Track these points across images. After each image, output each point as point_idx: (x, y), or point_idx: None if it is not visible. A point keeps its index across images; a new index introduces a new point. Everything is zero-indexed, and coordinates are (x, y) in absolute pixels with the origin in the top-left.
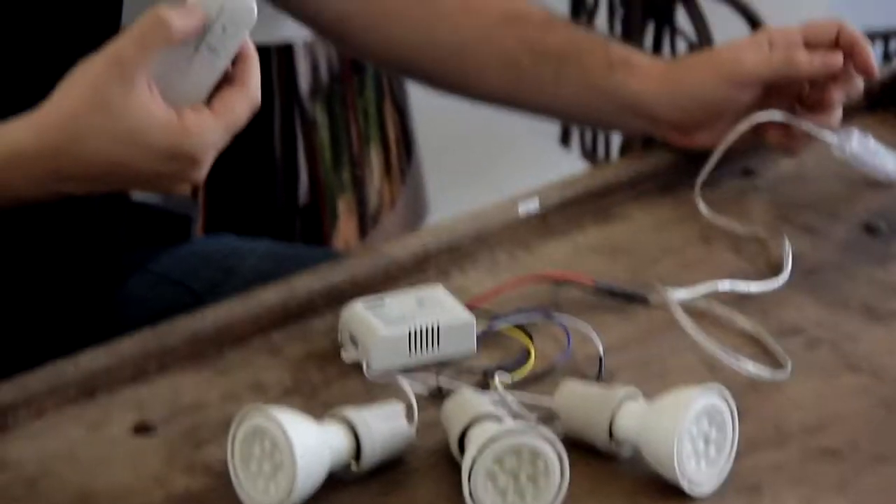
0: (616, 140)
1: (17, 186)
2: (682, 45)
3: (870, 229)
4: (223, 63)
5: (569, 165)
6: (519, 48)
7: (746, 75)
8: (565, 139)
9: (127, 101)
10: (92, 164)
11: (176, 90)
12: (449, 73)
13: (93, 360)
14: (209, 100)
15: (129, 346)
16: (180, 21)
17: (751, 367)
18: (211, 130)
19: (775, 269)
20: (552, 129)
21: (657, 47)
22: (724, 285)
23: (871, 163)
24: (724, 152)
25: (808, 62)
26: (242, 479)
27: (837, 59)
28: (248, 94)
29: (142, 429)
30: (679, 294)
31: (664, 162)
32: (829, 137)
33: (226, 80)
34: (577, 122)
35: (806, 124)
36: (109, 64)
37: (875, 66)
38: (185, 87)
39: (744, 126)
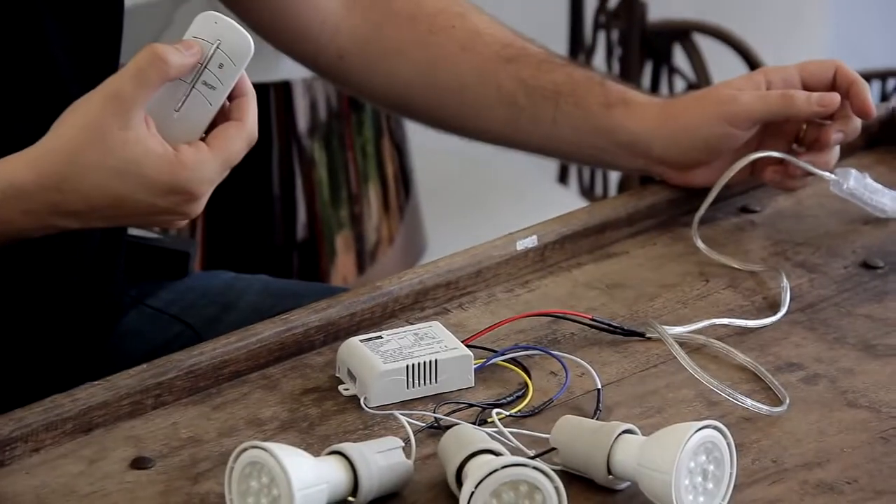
0: (614, 177)
1: (17, 221)
2: (679, 85)
3: (868, 266)
4: (220, 98)
5: (567, 203)
6: (517, 87)
7: (743, 114)
8: (563, 177)
9: (125, 136)
10: (90, 198)
11: (172, 125)
12: (448, 113)
13: (90, 394)
14: (206, 135)
15: (126, 380)
16: (177, 57)
17: (748, 402)
18: (208, 165)
19: (773, 306)
20: (550, 166)
21: (655, 87)
22: (722, 321)
23: (868, 201)
24: (721, 189)
25: (805, 102)
26: None
27: (834, 99)
28: (246, 130)
29: (139, 463)
30: (676, 329)
31: (662, 199)
32: (827, 175)
33: (223, 116)
34: (575, 160)
35: (803, 163)
36: (107, 99)
37: (872, 106)
38: (181, 122)
39: (741, 163)
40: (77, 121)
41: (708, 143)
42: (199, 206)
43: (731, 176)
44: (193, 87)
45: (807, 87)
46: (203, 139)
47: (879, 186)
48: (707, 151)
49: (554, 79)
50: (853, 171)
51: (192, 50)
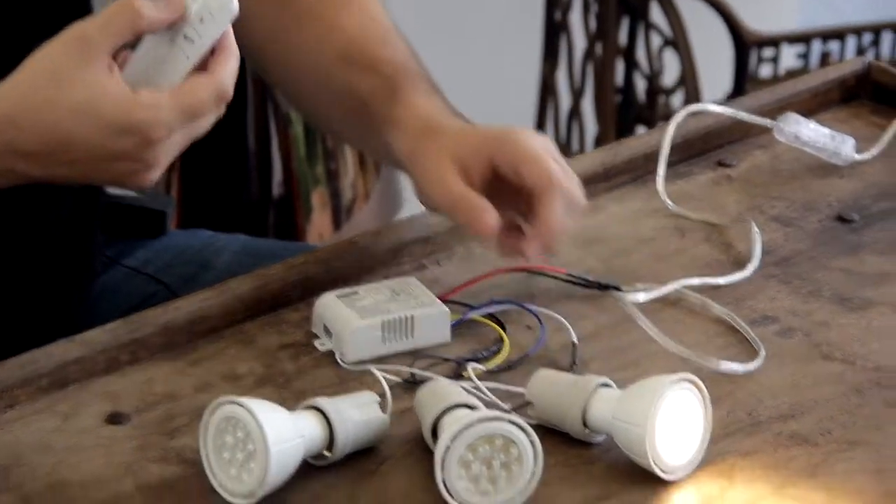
0: (590, 133)
1: None
2: (656, 41)
3: (842, 219)
4: (198, 53)
5: None
6: (343, 90)
7: (435, 204)
8: (539, 132)
9: (82, 76)
10: (44, 136)
11: (150, 76)
12: (307, 108)
13: (65, 350)
14: None
15: (101, 337)
16: (152, 12)
17: (713, 363)
18: (164, 108)
19: (747, 260)
20: (525, 121)
21: (632, 43)
22: (692, 280)
23: (822, 146)
24: (697, 144)
25: (464, 220)
26: (215, 468)
27: (481, 228)
28: (214, 83)
29: (115, 419)
30: (640, 296)
31: (638, 154)
32: (769, 123)
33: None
34: (393, 166)
35: (742, 113)
36: (70, 40)
37: (531, 250)
38: (156, 73)
39: (678, 118)
40: (39, 60)
41: (427, 200)
42: (157, 157)
43: (671, 132)
44: (173, 40)
45: (513, 182)
46: None
47: (828, 131)
48: (431, 204)
49: (366, 87)
50: (794, 116)
51: (172, 6)
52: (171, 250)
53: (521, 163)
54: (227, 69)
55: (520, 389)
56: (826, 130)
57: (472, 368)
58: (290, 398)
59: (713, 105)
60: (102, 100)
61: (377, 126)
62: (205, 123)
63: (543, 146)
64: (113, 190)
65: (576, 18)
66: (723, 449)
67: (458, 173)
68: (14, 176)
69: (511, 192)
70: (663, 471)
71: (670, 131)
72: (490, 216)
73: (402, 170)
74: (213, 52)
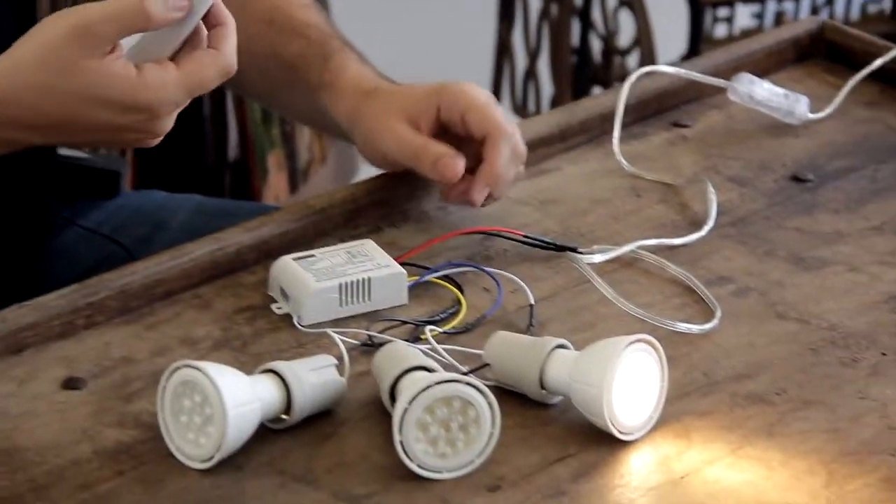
0: (546, 94)
1: None
2: (612, 1)
3: (797, 179)
4: (191, 21)
5: None
6: (268, 53)
7: (389, 156)
8: (495, 93)
9: (87, 64)
10: (50, 115)
11: (141, 42)
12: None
13: (20, 315)
14: (179, 58)
15: (56, 301)
16: (162, 12)
17: (669, 324)
18: (171, 87)
19: (704, 220)
20: (483, 82)
21: (587, 3)
22: (649, 241)
23: (775, 106)
24: (653, 105)
25: (430, 167)
26: (173, 432)
27: (452, 173)
28: (220, 59)
29: (71, 384)
30: (604, 250)
31: (594, 115)
32: (723, 83)
33: (199, 43)
34: (327, 133)
35: (698, 75)
36: (75, 29)
37: (477, 195)
38: (150, 41)
39: (632, 79)
40: (41, 42)
41: (385, 160)
42: (165, 126)
43: (626, 94)
44: None
45: (459, 132)
46: (173, 60)
47: (781, 90)
48: (388, 164)
49: (291, 51)
50: (747, 76)
51: (179, 5)
52: (125, 211)
53: (466, 111)
54: (231, 44)
55: (477, 351)
56: (780, 90)
57: (429, 331)
58: (248, 362)
59: (667, 66)
60: (108, 83)
61: (309, 91)
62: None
63: (487, 95)
64: (66, 151)
65: None
66: (679, 409)
67: (409, 125)
68: (16, 144)
69: (455, 142)
70: (620, 431)
71: (624, 92)
72: (459, 160)
73: (339, 133)
74: (210, 23)
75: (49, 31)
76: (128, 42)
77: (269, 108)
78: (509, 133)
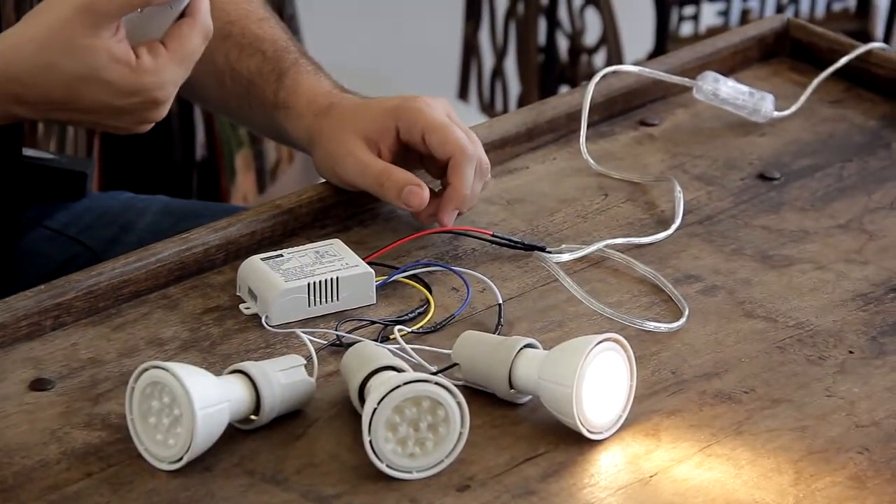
0: (514, 93)
1: None
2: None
3: (764, 177)
4: (183, 5)
5: (467, 118)
6: (224, 67)
7: (346, 178)
8: (463, 93)
9: (91, 44)
10: (50, 93)
11: (134, 24)
12: (193, 89)
13: None
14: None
15: (23, 301)
16: None
17: (637, 322)
18: (166, 69)
19: (672, 218)
20: (450, 81)
21: (553, 2)
22: (616, 240)
23: (741, 104)
24: (620, 102)
25: (395, 195)
26: (141, 433)
27: (416, 202)
28: (199, 25)
29: (39, 385)
30: (572, 248)
31: (561, 114)
32: (688, 82)
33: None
34: (284, 144)
35: (662, 74)
36: (80, 8)
37: (446, 216)
38: (142, 23)
39: (596, 79)
40: (46, 21)
41: (345, 183)
42: (164, 110)
43: (590, 93)
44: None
45: (421, 150)
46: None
47: (746, 88)
48: (348, 186)
49: (247, 66)
50: (712, 74)
51: None
52: (92, 212)
53: (426, 132)
54: (205, 8)
55: (446, 351)
56: (745, 88)
57: (398, 330)
58: (216, 362)
59: (631, 66)
60: (110, 66)
61: (266, 108)
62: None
63: (445, 112)
64: (31, 151)
65: None
66: (648, 408)
67: (369, 148)
68: (14, 118)
69: (416, 157)
70: (589, 430)
71: (589, 92)
72: (423, 190)
73: (299, 149)
74: None
75: (55, 10)
76: (124, 24)
77: (229, 120)
78: (471, 153)
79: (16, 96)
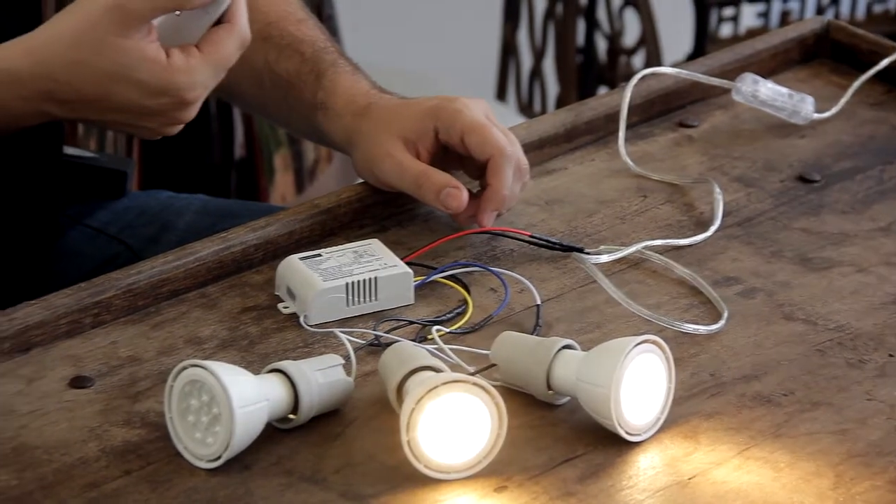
0: (552, 93)
1: (12, 106)
2: (617, 0)
3: (804, 180)
4: (218, 9)
5: (505, 119)
6: (263, 68)
7: (383, 179)
8: (501, 93)
9: (123, 43)
10: (82, 91)
11: (170, 27)
12: (230, 89)
13: (27, 314)
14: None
15: (63, 299)
16: None
17: (676, 324)
18: (198, 70)
19: (711, 220)
20: (489, 82)
21: (592, 3)
22: (655, 242)
23: (781, 106)
24: (658, 105)
25: (434, 196)
26: (180, 432)
27: (455, 204)
28: (236, 32)
29: (78, 382)
30: (611, 250)
31: (600, 115)
32: (726, 84)
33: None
34: (322, 145)
35: (701, 76)
36: (111, 7)
37: (486, 216)
38: (178, 26)
39: (634, 81)
40: (77, 18)
41: (384, 184)
42: (190, 113)
43: (629, 95)
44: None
45: (460, 151)
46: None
47: (786, 90)
48: (386, 187)
49: (286, 67)
50: (751, 76)
51: None
52: (132, 211)
53: (465, 133)
54: (244, 15)
55: (484, 351)
56: (784, 90)
57: (436, 331)
58: (254, 361)
59: (668, 68)
60: (141, 65)
61: (305, 109)
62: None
63: (484, 113)
64: (72, 150)
65: None
66: (686, 410)
67: (408, 149)
68: (47, 117)
69: (455, 158)
70: (628, 432)
71: (627, 94)
72: (462, 191)
73: (337, 149)
74: None
75: (87, 7)
76: (159, 27)
77: (267, 121)
78: (510, 153)
79: (48, 93)
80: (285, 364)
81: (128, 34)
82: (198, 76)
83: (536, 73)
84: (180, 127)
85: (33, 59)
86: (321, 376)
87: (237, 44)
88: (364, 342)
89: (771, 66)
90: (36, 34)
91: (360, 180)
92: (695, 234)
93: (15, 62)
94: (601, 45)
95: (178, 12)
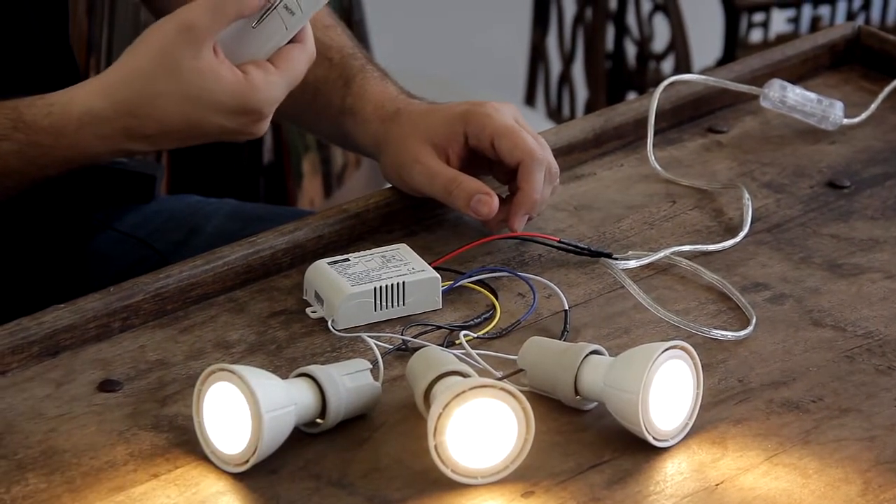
0: (581, 99)
1: (92, 146)
2: (647, 6)
3: (834, 186)
4: (297, 25)
5: (534, 124)
6: None
7: (414, 185)
8: (530, 99)
9: (197, 66)
10: (164, 122)
11: (245, 41)
12: None
13: (56, 318)
14: (272, 57)
15: (92, 303)
16: None
17: (704, 330)
18: (276, 86)
19: (740, 226)
20: (517, 87)
21: (622, 8)
22: (683, 248)
23: (809, 111)
24: (688, 110)
25: (464, 203)
26: (208, 435)
27: (485, 211)
28: (308, 50)
29: (107, 386)
30: (639, 255)
31: (629, 120)
32: (755, 90)
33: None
34: (351, 150)
35: (728, 83)
36: (180, 29)
37: (517, 220)
38: (254, 40)
39: (661, 87)
40: (150, 49)
41: (413, 189)
42: (266, 125)
43: (656, 101)
44: (275, 7)
45: (490, 156)
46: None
47: (814, 96)
48: (415, 193)
49: (315, 72)
50: (779, 82)
51: None
52: (160, 215)
53: (495, 138)
54: (311, 35)
55: (511, 357)
56: (813, 95)
57: (463, 335)
58: (282, 366)
59: (695, 75)
60: (218, 87)
61: (333, 115)
62: None
63: (513, 117)
64: None
65: None
66: (714, 416)
67: (437, 154)
68: (126, 153)
69: (484, 163)
70: (655, 438)
71: (655, 100)
72: (492, 199)
73: (365, 155)
74: None
75: (158, 36)
76: (228, 44)
77: (296, 127)
78: (541, 157)
79: (129, 129)
80: (313, 368)
81: (199, 55)
82: (276, 91)
83: (565, 78)
84: (252, 138)
85: (112, 98)
86: (349, 381)
87: (307, 61)
88: (392, 347)
89: (801, 72)
90: (111, 72)
91: (389, 185)
92: (723, 240)
93: (95, 103)
94: (630, 50)
95: (253, 26)
